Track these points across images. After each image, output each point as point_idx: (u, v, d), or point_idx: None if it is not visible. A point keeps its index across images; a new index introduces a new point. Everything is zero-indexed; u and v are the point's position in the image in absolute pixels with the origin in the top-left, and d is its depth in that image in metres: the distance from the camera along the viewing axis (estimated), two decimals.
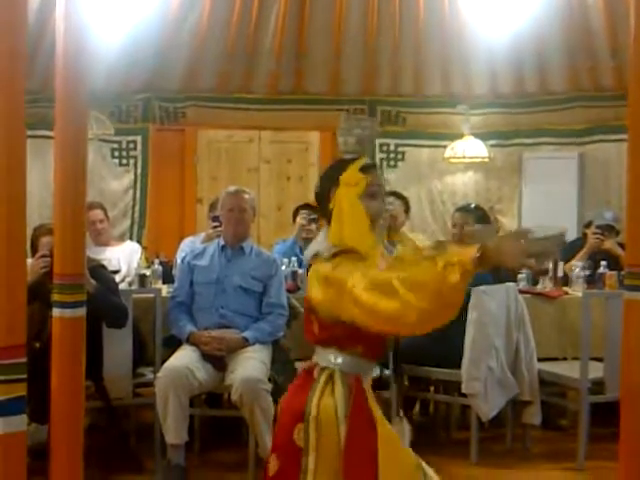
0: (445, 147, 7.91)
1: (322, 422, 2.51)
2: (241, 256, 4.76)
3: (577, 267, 5.63)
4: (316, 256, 2.60)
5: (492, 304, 4.74)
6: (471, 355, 4.66)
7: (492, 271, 4.94)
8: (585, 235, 6.16)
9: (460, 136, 7.82)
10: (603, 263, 5.50)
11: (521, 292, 5.08)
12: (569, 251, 5.91)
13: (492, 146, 7.90)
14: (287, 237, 6.21)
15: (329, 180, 2.68)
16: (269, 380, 4.31)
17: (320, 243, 2.64)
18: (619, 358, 3.48)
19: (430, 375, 4.95)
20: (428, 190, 8.11)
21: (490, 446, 4.96)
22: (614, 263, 5.52)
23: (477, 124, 7.94)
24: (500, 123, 8.08)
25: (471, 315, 4.66)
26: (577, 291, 5.32)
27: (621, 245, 5.60)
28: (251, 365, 4.31)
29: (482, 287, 4.71)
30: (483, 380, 4.64)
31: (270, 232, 7.69)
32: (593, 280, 5.50)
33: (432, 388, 5.35)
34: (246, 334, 4.51)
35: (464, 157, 7.87)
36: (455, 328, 4.67)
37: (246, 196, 4.82)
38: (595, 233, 5.90)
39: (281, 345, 4.70)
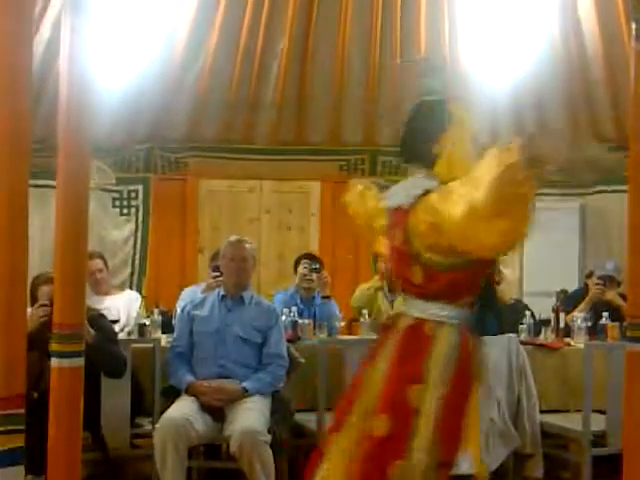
0: None
1: (434, 383, 2.52)
2: (241, 306, 4.74)
3: (579, 318, 5.61)
4: (427, 193, 2.59)
5: (493, 354, 4.71)
6: None
7: (496, 321, 4.94)
8: (587, 286, 6.15)
9: None
10: (605, 314, 5.49)
11: (522, 343, 5.06)
12: (571, 302, 5.90)
13: None
14: (287, 287, 6.20)
15: (432, 122, 2.70)
16: (268, 432, 4.27)
17: (420, 182, 2.65)
18: (621, 410, 3.46)
19: None
20: None
21: None
22: (615, 314, 5.50)
23: None
24: None
25: None
26: (579, 342, 5.29)
27: (622, 296, 5.59)
28: (251, 416, 4.27)
29: (484, 337, 4.68)
30: (484, 432, 4.59)
31: (270, 282, 7.67)
32: (595, 331, 5.48)
33: None
34: (246, 384, 4.47)
35: None
36: None
37: (247, 246, 4.83)
38: (597, 284, 5.89)
39: (281, 396, 4.66)
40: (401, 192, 2.74)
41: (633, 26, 3.44)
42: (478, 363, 2.70)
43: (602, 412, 4.68)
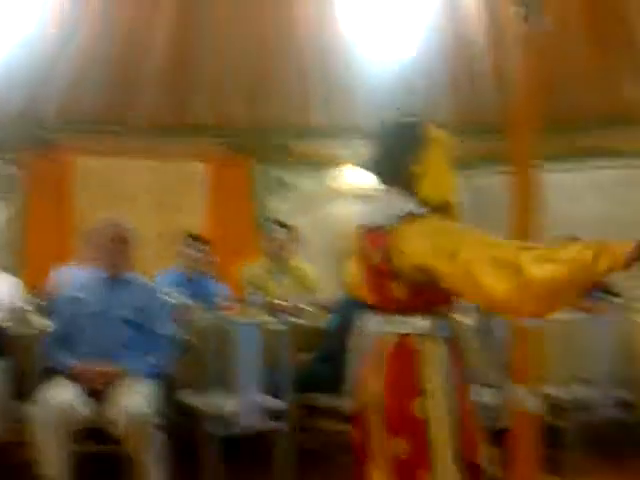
0: (333, 177, 7.94)
1: (438, 391, 2.59)
2: (125, 288, 4.60)
3: None
4: (410, 215, 2.62)
5: None
6: None
7: None
8: None
9: (346, 165, 7.87)
10: None
11: None
12: None
13: None
14: (170, 267, 6.07)
15: (410, 143, 2.74)
16: (156, 414, 4.15)
17: (400, 204, 2.66)
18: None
19: (324, 404, 4.88)
20: (317, 220, 8.11)
21: None
22: None
23: (364, 154, 7.98)
24: None
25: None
26: None
27: None
28: (136, 399, 4.15)
29: None
30: None
31: (150, 262, 7.49)
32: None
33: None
34: (130, 366, 4.34)
35: (351, 186, 7.91)
36: (346, 358, 4.66)
37: (127, 226, 4.70)
38: None
39: (168, 377, 4.55)
40: (377, 212, 2.76)
41: (518, 10, 3.46)
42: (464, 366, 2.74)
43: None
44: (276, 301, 5.43)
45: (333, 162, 8.02)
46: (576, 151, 7.65)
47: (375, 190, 8.03)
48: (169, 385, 4.52)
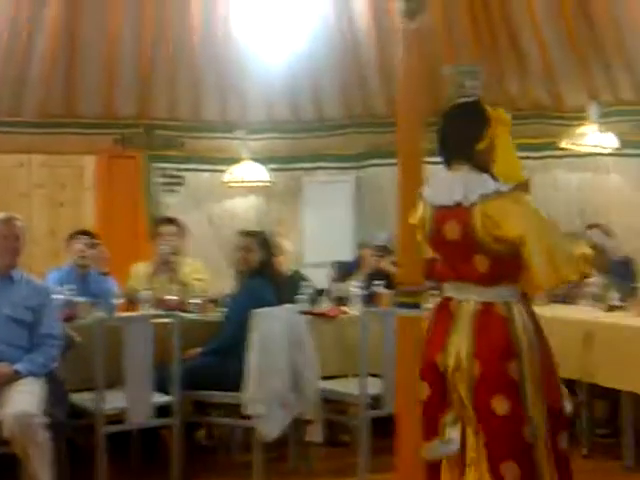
0: (224, 172, 7.93)
1: (528, 353, 2.91)
2: (10, 285, 4.51)
3: (355, 287, 5.78)
4: (497, 192, 2.89)
5: (274, 326, 4.77)
6: (254, 377, 4.65)
7: (275, 293, 5.00)
8: (361, 256, 6.34)
9: (239, 161, 7.87)
10: (378, 282, 5.68)
11: (301, 313, 5.14)
12: (345, 272, 6.06)
13: (273, 170, 8.01)
14: (61, 265, 5.98)
15: (479, 122, 2.99)
16: (45, 414, 4.10)
17: (481, 182, 2.92)
18: (395, 373, 3.59)
19: (213, 399, 4.90)
20: (208, 215, 8.09)
21: (275, 466, 4.97)
22: (388, 282, 5.71)
23: (257, 149, 8.03)
24: (279, 148, 8.21)
25: (253, 337, 4.66)
26: (355, 310, 5.45)
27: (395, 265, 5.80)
28: (23, 399, 4.08)
29: (265, 309, 4.73)
30: (266, 401, 4.64)
31: (42, 259, 7.36)
32: (370, 299, 5.66)
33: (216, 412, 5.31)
34: (17, 367, 4.26)
35: (243, 181, 7.92)
36: (235, 351, 4.70)
37: (18, 223, 4.60)
38: (373, 254, 6.09)
39: (56, 376, 4.48)
40: (456, 190, 2.95)
41: (402, 7, 3.54)
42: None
43: (378, 376, 4.84)
44: (165, 297, 5.42)
45: (226, 157, 8.00)
46: None
47: (270, 184, 7.99)
48: (58, 384, 4.46)
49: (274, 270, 5.32)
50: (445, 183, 3.05)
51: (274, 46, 7.27)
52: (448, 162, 3.09)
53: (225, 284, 5.71)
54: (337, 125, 8.20)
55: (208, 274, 6.09)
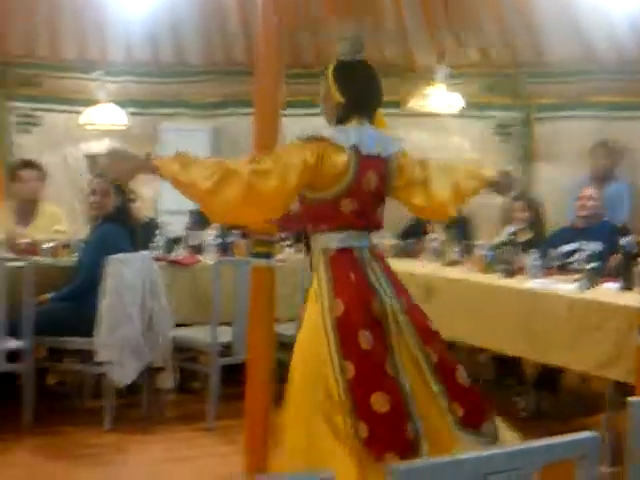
0: (81, 113, 7.78)
1: None
2: None
3: (210, 236, 5.83)
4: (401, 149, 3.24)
5: (128, 272, 4.78)
6: (106, 323, 4.67)
7: (130, 239, 5.00)
8: None
9: (96, 102, 7.74)
10: (235, 232, 5.75)
11: (156, 260, 5.17)
12: (202, 220, 6.10)
13: (131, 114, 7.90)
14: None
15: (379, 82, 3.24)
16: None
17: (389, 139, 3.20)
18: (246, 322, 3.71)
19: (65, 345, 4.89)
20: (64, 157, 7.93)
21: (127, 413, 5.03)
22: (246, 232, 5.79)
23: (115, 91, 7.89)
24: (138, 92, 8.11)
25: (107, 283, 4.67)
26: (210, 259, 5.51)
27: None
28: None
29: (119, 255, 4.73)
30: (118, 348, 4.68)
31: None
32: (227, 248, 5.74)
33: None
34: None
35: (100, 124, 7.80)
36: (88, 297, 4.70)
37: None
38: None
39: None
40: (376, 142, 3.11)
41: None
42: None
43: (230, 324, 4.95)
44: (18, 240, 5.33)
45: (84, 98, 7.83)
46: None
47: (126, 127, 7.90)
48: None
49: (129, 216, 5.29)
50: (365, 134, 3.10)
51: None
52: (350, 116, 3.12)
53: (79, 228, 5.66)
54: (197, 72, 8.15)
55: (66, 222, 5.99)
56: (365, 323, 2.95)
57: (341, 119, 3.12)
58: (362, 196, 3.08)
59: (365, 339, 2.92)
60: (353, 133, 3.07)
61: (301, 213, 3.14)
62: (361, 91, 3.17)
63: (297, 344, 3.04)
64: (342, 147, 3.03)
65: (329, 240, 3.08)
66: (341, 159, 3.02)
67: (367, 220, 3.12)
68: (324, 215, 3.08)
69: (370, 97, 3.20)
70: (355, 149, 3.05)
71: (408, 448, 2.83)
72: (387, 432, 2.84)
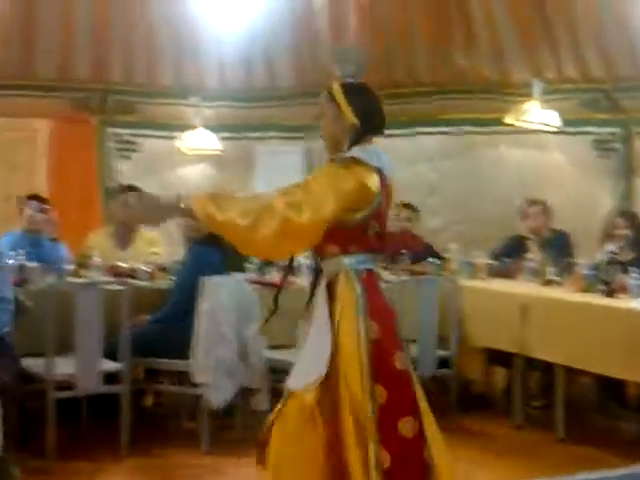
0: (177, 138, 7.92)
1: None
2: None
3: (304, 257, 5.81)
4: None
5: (223, 294, 4.83)
6: (202, 345, 4.72)
7: (224, 261, 5.05)
8: None
9: (192, 128, 7.87)
10: None
11: (250, 282, 5.21)
12: None
13: (224, 139, 8.01)
14: (14, 229, 5.98)
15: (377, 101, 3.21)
16: None
17: (386, 158, 3.11)
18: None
19: (161, 366, 4.96)
20: (162, 182, 8.08)
21: (222, 435, 5.06)
22: None
23: (209, 116, 8.01)
24: (231, 116, 8.21)
25: (202, 305, 4.73)
26: (304, 281, 5.46)
27: None
28: None
29: (214, 278, 4.79)
30: (214, 369, 4.72)
31: None
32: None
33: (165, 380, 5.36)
34: None
35: (195, 149, 7.93)
36: (183, 318, 4.76)
37: None
38: None
39: (6, 341, 4.51)
40: (386, 162, 3.10)
41: None
42: None
43: None
44: (116, 263, 5.45)
45: (180, 124, 7.98)
46: (409, 118, 7.90)
47: (221, 152, 7.97)
48: (8, 349, 4.48)
49: (222, 237, 5.33)
50: (381, 155, 3.11)
51: (229, 13, 7.27)
52: (365, 137, 3.10)
53: (175, 251, 5.75)
54: (288, 95, 8.22)
55: (163, 245, 6.10)
56: (398, 345, 3.04)
57: (356, 140, 3.08)
58: (382, 218, 3.10)
59: (400, 360, 3.00)
60: (374, 154, 3.07)
61: (325, 235, 2.99)
62: (374, 112, 3.15)
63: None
64: (372, 168, 3.03)
65: (357, 262, 3.05)
66: (373, 180, 3.03)
67: (382, 243, 3.12)
68: (353, 237, 3.04)
69: (382, 118, 3.17)
70: (379, 170, 3.06)
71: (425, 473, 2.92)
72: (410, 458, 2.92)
